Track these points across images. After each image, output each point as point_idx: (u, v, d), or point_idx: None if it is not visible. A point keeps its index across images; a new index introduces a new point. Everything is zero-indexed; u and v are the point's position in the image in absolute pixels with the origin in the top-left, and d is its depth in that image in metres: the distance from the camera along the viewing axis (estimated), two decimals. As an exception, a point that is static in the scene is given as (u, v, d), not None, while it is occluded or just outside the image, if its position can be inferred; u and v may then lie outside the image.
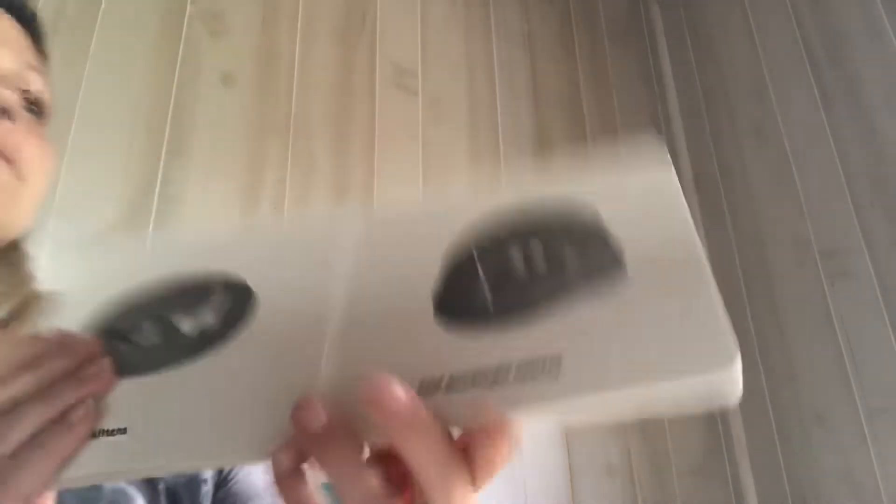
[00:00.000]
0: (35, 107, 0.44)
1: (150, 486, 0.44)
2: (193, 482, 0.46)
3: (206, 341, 0.29)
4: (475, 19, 1.60)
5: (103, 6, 1.10)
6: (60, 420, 0.26)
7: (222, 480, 0.48)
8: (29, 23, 0.48)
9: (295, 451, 0.25)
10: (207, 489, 0.47)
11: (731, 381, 0.23)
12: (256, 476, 0.50)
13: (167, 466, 0.29)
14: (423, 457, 0.24)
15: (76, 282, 0.33)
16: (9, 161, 0.40)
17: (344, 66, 1.34)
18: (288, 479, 0.25)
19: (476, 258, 0.28)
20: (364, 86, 1.35)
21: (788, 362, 1.43)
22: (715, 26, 1.76)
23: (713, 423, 1.53)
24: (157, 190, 1.05)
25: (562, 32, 1.77)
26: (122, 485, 0.43)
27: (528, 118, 1.60)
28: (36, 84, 0.44)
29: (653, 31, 1.95)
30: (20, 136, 0.41)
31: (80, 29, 1.06)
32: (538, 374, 0.24)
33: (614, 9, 1.92)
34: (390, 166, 1.32)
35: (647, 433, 1.44)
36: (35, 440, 0.25)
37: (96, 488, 0.42)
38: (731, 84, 1.68)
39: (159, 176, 1.06)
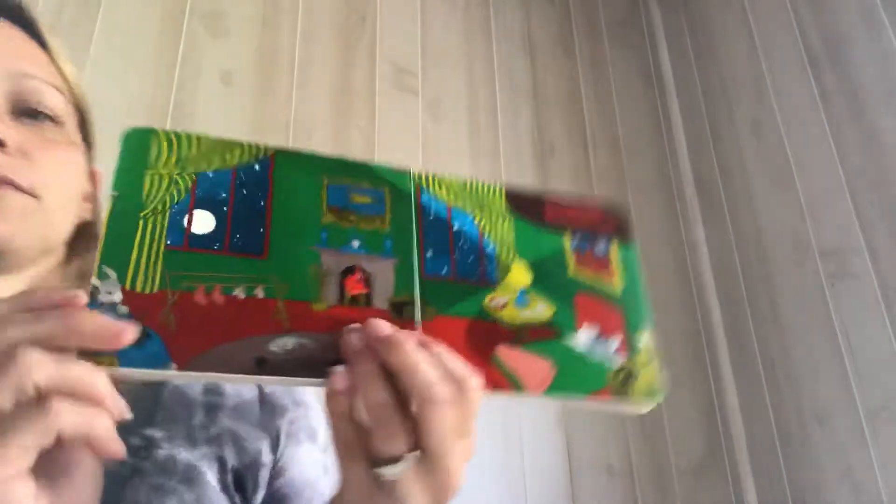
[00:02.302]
0: (35, 115, 0.45)
1: (220, 464, 0.47)
2: (255, 465, 0.49)
3: None
4: (475, 19, 1.60)
5: (103, 6, 1.09)
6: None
7: (277, 471, 0.51)
8: (24, 24, 0.48)
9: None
10: (265, 474, 0.50)
11: None
12: (309, 468, 0.52)
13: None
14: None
15: None
16: (10, 184, 0.41)
17: (344, 66, 1.34)
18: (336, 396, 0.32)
19: None
20: (364, 86, 1.35)
21: (788, 362, 1.43)
22: (715, 26, 1.76)
23: (713, 423, 1.53)
24: (157, 190, 1.05)
25: (562, 33, 1.77)
26: (195, 461, 0.46)
27: (528, 118, 1.60)
28: (33, 94, 0.45)
29: (653, 31, 1.95)
30: (17, 160, 0.42)
31: (80, 29, 1.06)
32: None
33: (614, 9, 1.92)
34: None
35: (647, 433, 1.44)
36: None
37: (173, 462, 0.45)
38: (730, 84, 1.68)
39: (159, 176, 1.06)
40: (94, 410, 0.28)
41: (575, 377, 0.36)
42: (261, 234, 0.34)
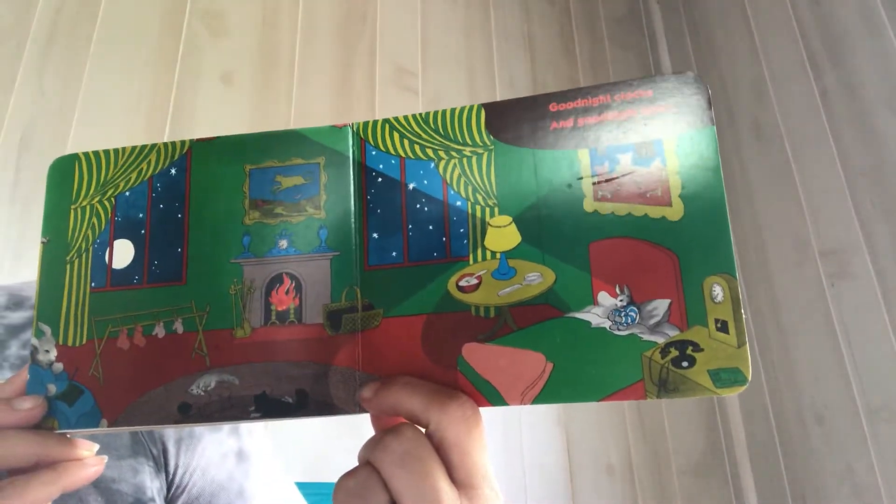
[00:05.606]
0: None
1: None
2: None
3: None
4: (475, 19, 1.60)
5: (103, 6, 1.09)
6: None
7: (176, 490, 0.44)
8: None
9: None
10: None
11: None
12: (216, 466, 0.46)
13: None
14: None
15: None
16: None
17: (344, 66, 1.34)
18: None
19: None
20: (364, 86, 1.35)
21: (788, 362, 1.43)
22: (715, 26, 1.76)
23: (713, 423, 1.53)
24: (157, 190, 1.05)
25: (562, 32, 1.77)
26: None
27: (528, 118, 1.60)
28: None
29: (653, 31, 1.95)
30: None
31: (80, 29, 1.06)
32: None
33: (614, 9, 1.92)
34: (390, 166, 1.32)
35: (647, 433, 1.44)
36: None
37: None
38: (731, 84, 1.68)
39: (159, 176, 1.06)
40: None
41: (584, 372, 0.27)
42: (179, 255, 0.31)
